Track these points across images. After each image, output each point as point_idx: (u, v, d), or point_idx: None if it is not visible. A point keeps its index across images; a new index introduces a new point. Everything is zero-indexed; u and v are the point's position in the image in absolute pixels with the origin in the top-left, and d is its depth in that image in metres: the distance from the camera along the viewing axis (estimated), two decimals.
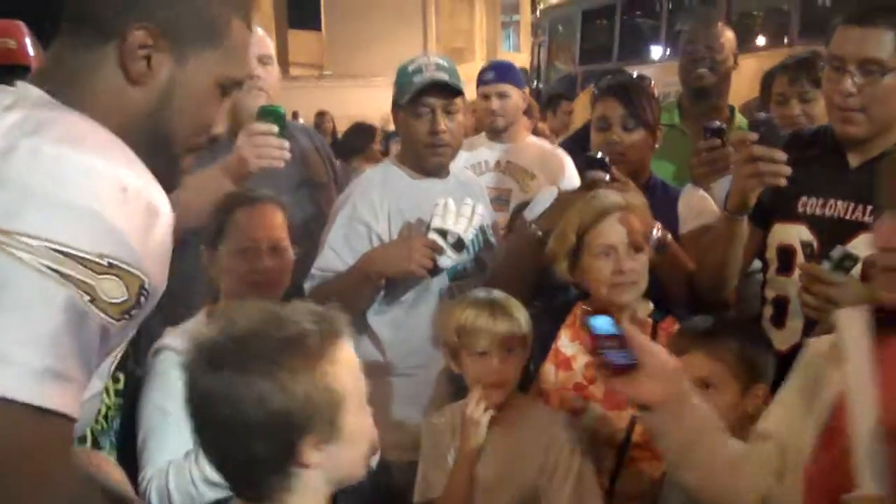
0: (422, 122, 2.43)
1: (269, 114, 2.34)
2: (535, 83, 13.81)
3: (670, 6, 11.13)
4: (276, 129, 2.29)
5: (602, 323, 1.42)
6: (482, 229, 2.51)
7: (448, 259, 2.33)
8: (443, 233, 2.31)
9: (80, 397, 1.02)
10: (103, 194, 1.00)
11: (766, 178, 2.03)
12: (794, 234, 2.16)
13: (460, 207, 2.35)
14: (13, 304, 0.95)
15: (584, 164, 2.47)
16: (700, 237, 2.41)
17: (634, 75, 2.89)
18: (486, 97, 3.62)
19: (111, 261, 0.99)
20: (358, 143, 6.35)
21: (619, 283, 2.13)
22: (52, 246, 0.96)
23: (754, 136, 2.04)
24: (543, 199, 2.50)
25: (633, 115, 2.55)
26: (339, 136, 11.16)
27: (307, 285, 2.42)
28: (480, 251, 2.55)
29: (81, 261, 0.97)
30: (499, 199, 3.36)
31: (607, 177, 2.40)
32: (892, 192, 1.33)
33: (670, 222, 2.47)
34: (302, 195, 2.66)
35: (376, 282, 2.39)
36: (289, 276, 2.21)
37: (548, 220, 2.39)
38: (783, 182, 2.04)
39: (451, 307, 2.21)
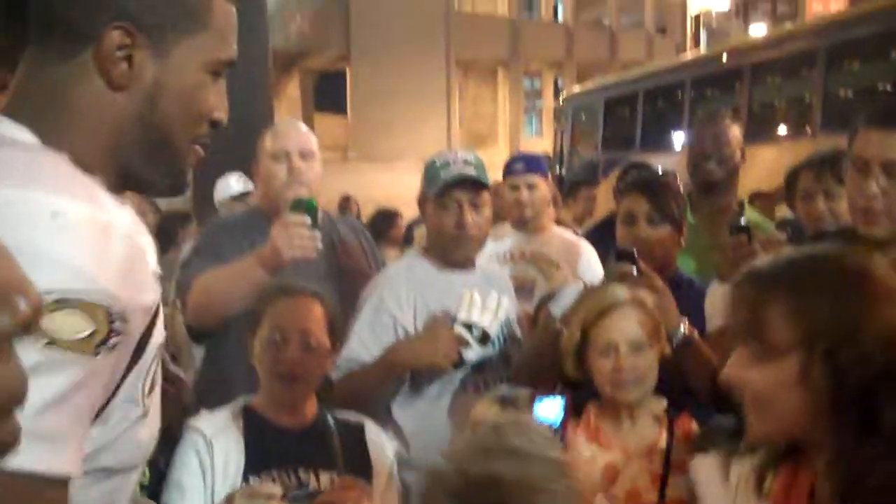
0: (449, 215, 2.46)
1: (303, 206, 2.39)
2: (558, 169, 13.94)
3: (692, 95, 11.28)
4: (308, 220, 2.33)
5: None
6: (507, 322, 2.52)
7: (473, 352, 2.33)
8: (468, 326, 2.32)
9: (78, 452, 0.93)
10: (33, 225, 0.89)
11: None
12: None
13: (486, 301, 2.36)
14: None
15: (614, 256, 2.48)
16: (726, 335, 2.39)
17: (660, 171, 2.92)
18: (514, 188, 3.66)
19: (59, 295, 0.88)
20: (382, 229, 6.52)
21: (619, 380, 2.11)
22: None
23: (783, 237, 2.04)
24: (569, 294, 2.51)
25: (658, 210, 2.57)
26: (363, 219, 11.31)
27: (334, 376, 2.42)
28: (505, 344, 2.55)
29: None
30: (523, 289, 3.36)
31: (635, 270, 2.41)
32: (744, 324, 1.31)
33: (697, 318, 2.46)
34: (345, 286, 2.69)
35: (401, 374, 2.39)
36: (322, 371, 2.21)
37: (570, 315, 2.38)
38: None
39: (474, 403, 2.21)
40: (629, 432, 2.11)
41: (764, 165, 8.97)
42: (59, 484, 0.91)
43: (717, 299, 2.55)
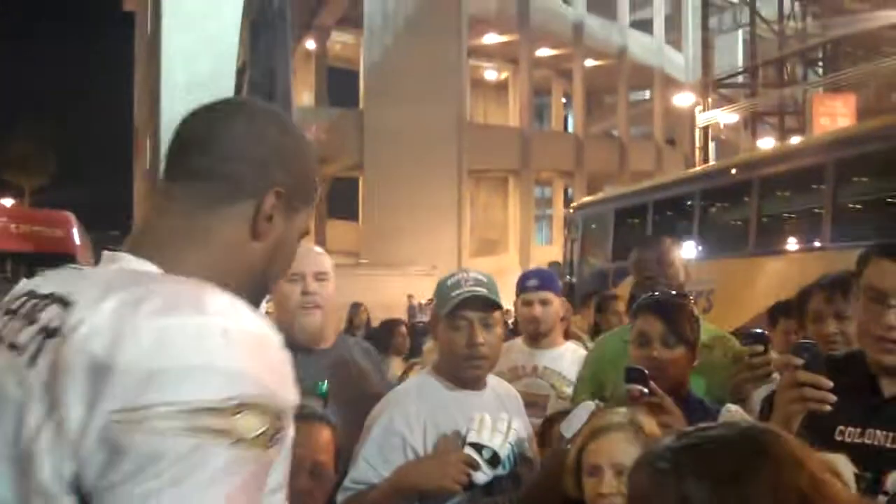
0: (460, 335, 2.46)
1: (313, 391, 2.46)
2: (568, 277, 13.99)
3: (701, 205, 11.39)
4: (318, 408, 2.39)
5: None
6: (518, 443, 2.48)
7: (483, 475, 2.29)
8: (479, 448, 2.28)
9: None
10: (208, 345, 1.04)
11: (811, 405, 2.01)
12: (836, 463, 2.12)
13: (496, 422, 2.33)
14: (165, 474, 0.99)
15: (624, 376, 2.46)
16: None
17: (674, 292, 2.94)
18: (528, 304, 3.65)
19: (239, 400, 1.03)
20: (385, 339, 6.78)
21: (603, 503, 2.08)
22: (181, 408, 1.00)
23: (800, 361, 2.04)
24: (580, 414, 2.47)
25: (673, 332, 2.57)
26: (373, 322, 11.30)
27: (339, 498, 2.37)
28: (515, 466, 2.51)
29: (211, 411, 1.01)
30: (536, 405, 3.33)
31: (646, 390, 2.38)
32: None
33: None
34: (360, 412, 2.67)
35: (409, 496, 2.35)
36: (326, 496, 2.18)
37: (578, 435, 2.36)
38: (828, 408, 2.02)
39: None
40: None
41: (774, 277, 9.01)
42: None
43: (732, 420, 2.52)
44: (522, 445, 2.55)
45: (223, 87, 18.47)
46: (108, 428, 0.99)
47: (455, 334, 2.46)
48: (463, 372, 2.49)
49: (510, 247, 32.29)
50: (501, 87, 38.17)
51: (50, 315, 1.11)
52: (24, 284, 1.25)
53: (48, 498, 1.02)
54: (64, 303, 1.11)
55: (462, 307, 2.45)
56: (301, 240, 1.38)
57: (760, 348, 2.60)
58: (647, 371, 2.42)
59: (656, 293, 2.92)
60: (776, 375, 2.61)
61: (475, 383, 2.53)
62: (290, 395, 1.11)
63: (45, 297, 1.16)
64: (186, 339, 1.03)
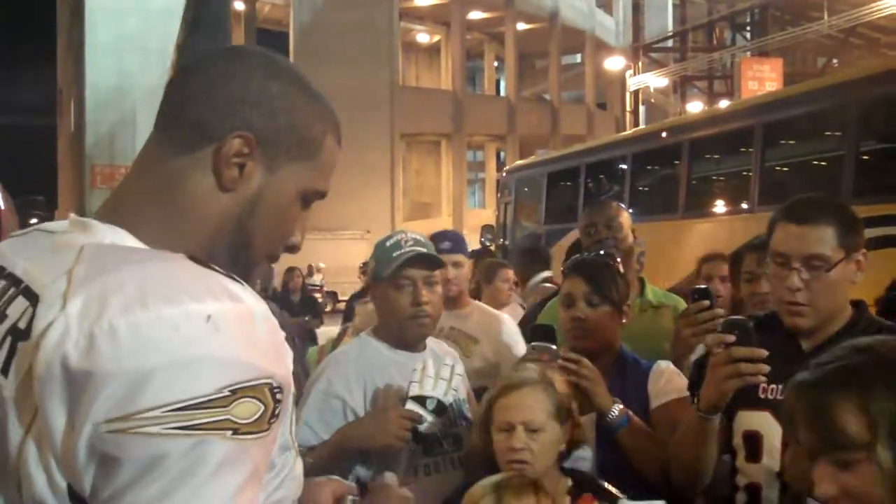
0: (404, 295, 2.45)
1: None
2: (502, 240, 14.08)
3: (632, 168, 11.51)
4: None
5: None
6: (458, 402, 2.50)
7: (430, 424, 2.29)
8: (421, 400, 2.28)
9: None
10: (193, 335, 0.97)
11: (749, 379, 2.04)
12: (759, 421, 2.17)
13: (440, 369, 2.33)
14: (167, 476, 0.94)
15: (533, 335, 2.52)
16: (671, 419, 2.41)
17: (602, 252, 2.97)
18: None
19: (232, 388, 0.97)
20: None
21: (512, 459, 2.11)
22: (174, 407, 0.94)
23: (731, 337, 2.06)
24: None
25: (597, 291, 2.59)
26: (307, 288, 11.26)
27: None
28: (458, 426, 2.51)
29: (206, 404, 0.95)
30: None
31: (553, 346, 2.45)
32: (817, 438, 1.33)
33: (641, 397, 2.49)
34: None
35: (352, 457, 2.33)
36: None
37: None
38: (763, 380, 2.05)
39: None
40: None
41: (703, 239, 9.16)
42: None
43: (661, 378, 2.55)
44: (462, 405, 2.56)
45: (151, 46, 18.07)
46: (98, 439, 0.94)
47: (399, 294, 2.45)
48: (408, 332, 2.48)
49: (443, 210, 32.34)
50: (433, 50, 38.00)
51: (17, 311, 1.04)
52: None
53: None
54: (30, 295, 1.04)
55: (405, 267, 2.44)
56: (310, 203, 1.25)
57: (706, 303, 2.64)
58: (553, 328, 2.47)
59: (583, 255, 2.97)
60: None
61: (417, 343, 2.52)
62: (284, 367, 1.05)
63: (12, 281, 1.08)
64: (168, 333, 0.97)
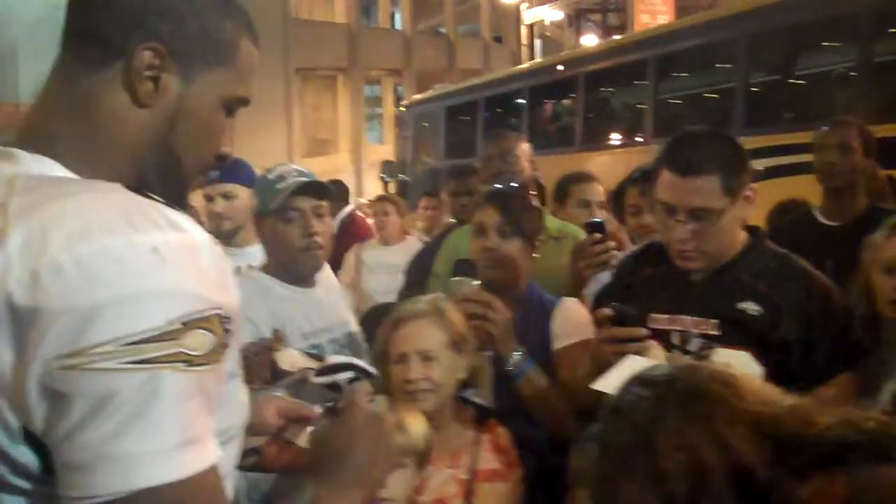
0: (294, 227, 2.38)
1: None
2: (402, 176, 14.03)
3: (530, 101, 11.56)
4: None
5: None
6: (349, 336, 2.49)
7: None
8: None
9: (214, 439, 1.03)
10: (140, 268, 0.95)
11: (631, 353, 2.04)
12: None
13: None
14: (122, 411, 0.92)
15: (455, 269, 2.48)
16: (573, 362, 2.38)
17: (514, 184, 2.96)
18: (209, 198, 3.33)
19: (183, 320, 0.95)
20: None
21: (410, 390, 2.10)
22: (125, 341, 0.92)
23: (609, 312, 2.09)
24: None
25: (509, 222, 2.55)
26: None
27: None
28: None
29: (157, 337, 0.93)
30: None
31: (476, 282, 2.41)
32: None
33: (544, 335, 2.47)
34: None
35: None
36: None
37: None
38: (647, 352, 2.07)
39: None
40: (434, 441, 2.01)
41: (600, 171, 9.30)
42: (216, 469, 1.01)
43: (565, 316, 2.54)
44: (355, 339, 2.53)
45: None
46: (48, 376, 0.91)
47: (288, 227, 2.38)
48: (300, 265, 2.42)
49: (341, 146, 31.92)
50: None
51: None
52: None
53: (1, 451, 0.95)
54: None
55: (293, 197, 2.37)
56: (234, 111, 1.22)
57: (599, 236, 2.66)
58: (475, 262, 2.46)
59: (499, 186, 2.94)
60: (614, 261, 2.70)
61: (312, 274, 2.47)
62: (232, 296, 1.04)
63: None
64: (114, 267, 0.94)
